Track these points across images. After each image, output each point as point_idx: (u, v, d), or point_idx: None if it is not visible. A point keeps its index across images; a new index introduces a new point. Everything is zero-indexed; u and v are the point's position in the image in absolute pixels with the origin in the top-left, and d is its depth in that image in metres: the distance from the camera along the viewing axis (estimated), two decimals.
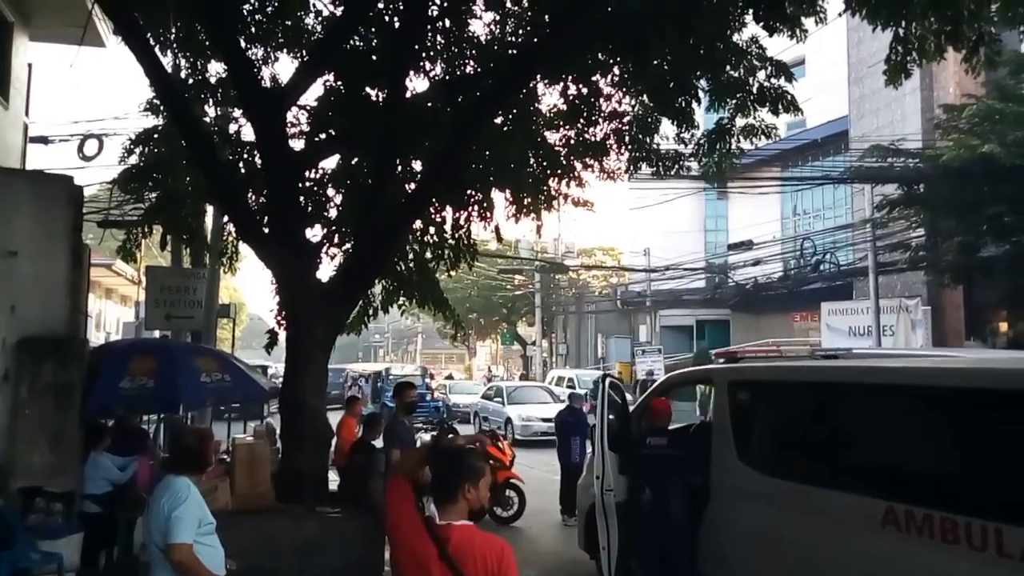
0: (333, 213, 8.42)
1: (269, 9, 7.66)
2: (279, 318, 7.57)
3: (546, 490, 10.61)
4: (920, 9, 6.09)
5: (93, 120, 58.25)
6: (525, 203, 8.60)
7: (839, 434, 4.89)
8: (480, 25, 8.05)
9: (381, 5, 7.37)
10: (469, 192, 8.34)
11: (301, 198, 7.64)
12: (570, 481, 9.28)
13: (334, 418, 7.61)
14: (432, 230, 8.54)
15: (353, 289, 7.07)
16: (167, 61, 7.84)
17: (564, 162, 8.49)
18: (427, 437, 9.82)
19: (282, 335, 7.59)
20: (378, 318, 9.24)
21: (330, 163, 8.41)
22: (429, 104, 7.67)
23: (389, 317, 11.54)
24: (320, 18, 8.11)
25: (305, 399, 6.46)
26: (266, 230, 6.95)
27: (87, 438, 6.17)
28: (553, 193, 8.74)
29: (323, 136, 7.97)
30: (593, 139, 8.37)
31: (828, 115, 24.74)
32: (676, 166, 8.43)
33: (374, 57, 7.68)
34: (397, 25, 7.28)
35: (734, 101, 7.52)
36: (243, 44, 7.26)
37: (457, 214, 8.52)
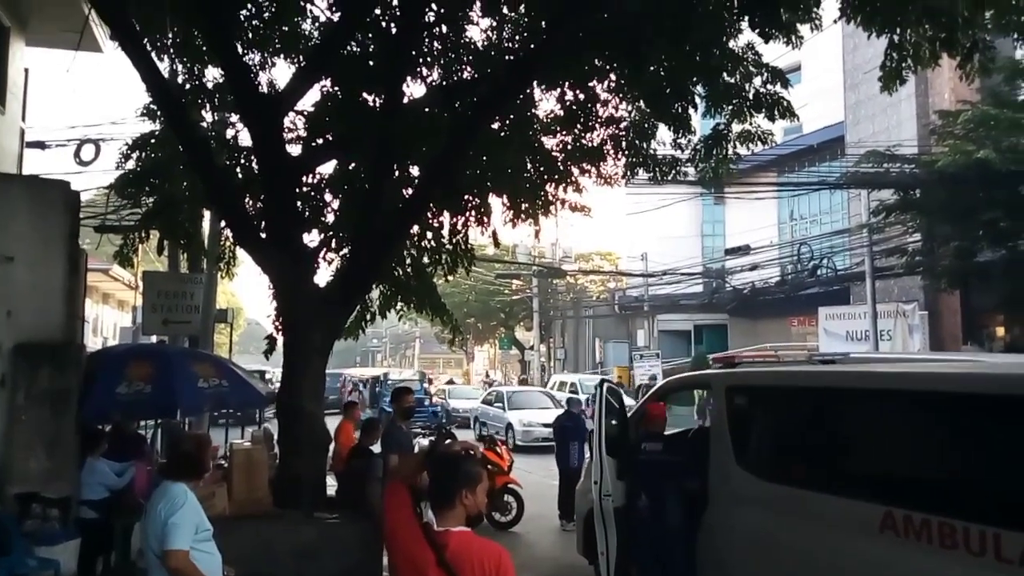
0: (330, 218, 8.43)
1: (266, 15, 7.68)
2: (277, 323, 7.56)
3: (544, 495, 10.59)
4: (915, 16, 6.13)
5: (90, 125, 58.15)
6: (522, 208, 8.62)
7: (837, 439, 4.89)
8: (477, 31, 8.10)
9: (378, 11, 7.39)
10: (466, 197, 8.36)
11: (298, 203, 7.65)
12: (568, 486, 9.27)
13: (332, 423, 7.60)
14: (429, 235, 8.55)
15: (350, 294, 7.07)
16: (164, 66, 7.85)
17: (561, 167, 8.52)
18: (425, 442, 9.80)
19: (280, 340, 7.59)
20: (376, 323, 9.25)
21: (327, 168, 8.43)
22: (426, 110, 7.69)
23: (387, 322, 11.54)
24: (317, 24, 8.13)
25: (303, 404, 6.46)
26: (263, 235, 6.95)
27: (84, 444, 6.15)
28: (550, 198, 8.77)
29: (320, 141, 7.98)
30: (590, 144, 8.40)
31: (824, 121, 24.86)
32: (673, 171, 8.46)
33: (371, 63, 7.70)
34: (394, 31, 7.30)
35: (730, 107, 7.55)
36: (240, 49, 7.26)
37: (454, 219, 8.53)
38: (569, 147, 8.47)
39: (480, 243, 10.33)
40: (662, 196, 21.32)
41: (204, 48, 7.63)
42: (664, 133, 8.14)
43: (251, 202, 7.99)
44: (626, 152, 8.43)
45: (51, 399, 5.77)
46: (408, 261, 8.51)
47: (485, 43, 7.99)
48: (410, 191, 7.91)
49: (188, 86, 8.22)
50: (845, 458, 4.80)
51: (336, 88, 7.82)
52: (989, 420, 3.86)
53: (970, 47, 6.21)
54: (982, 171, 13.79)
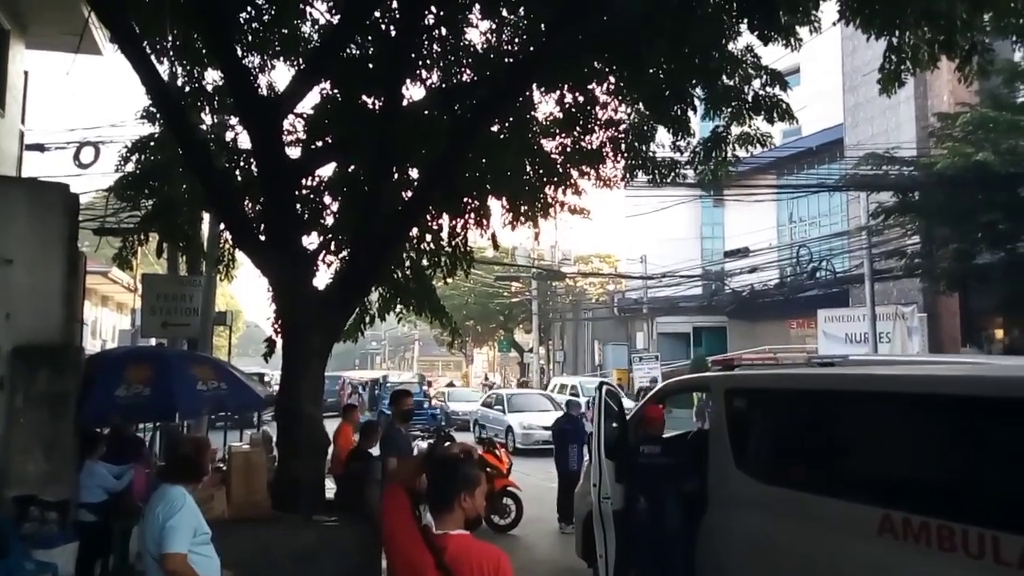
0: (330, 221, 8.43)
1: (266, 17, 7.68)
2: (276, 326, 7.56)
3: (543, 498, 10.59)
4: (913, 19, 6.14)
5: (89, 128, 58.22)
6: (521, 211, 8.63)
7: (836, 441, 4.89)
8: (476, 34, 8.11)
9: (378, 14, 7.40)
10: (465, 200, 8.36)
11: (297, 206, 7.65)
12: (567, 489, 9.26)
13: (331, 426, 7.59)
14: (429, 237, 8.55)
15: (350, 296, 7.07)
16: (164, 69, 7.86)
17: (560, 170, 8.52)
18: (424, 445, 9.79)
19: (279, 343, 7.59)
20: (375, 325, 9.24)
21: (326, 171, 8.43)
22: (425, 112, 7.69)
23: (386, 324, 11.54)
24: (317, 26, 8.13)
25: (302, 407, 6.45)
26: (262, 238, 6.95)
27: (82, 446, 6.14)
28: (549, 201, 8.77)
29: (320, 144, 7.98)
30: (589, 147, 8.40)
31: (823, 123, 24.89)
32: (672, 174, 8.46)
33: (371, 65, 7.70)
34: (393, 34, 7.30)
35: (729, 109, 7.55)
36: (240, 52, 7.27)
37: (454, 221, 8.53)
38: (568, 149, 8.48)
39: (479, 245, 10.34)
40: (661, 198, 21.32)
41: (204, 51, 7.64)
42: (663, 135, 8.15)
43: (250, 204, 7.99)
44: (625, 154, 8.43)
45: (49, 402, 5.77)
46: (407, 263, 8.51)
47: (484, 46, 8.00)
48: (409, 193, 7.91)
49: (188, 89, 8.22)
50: (844, 461, 4.80)
51: (336, 91, 7.82)
52: (988, 423, 3.86)
53: (969, 49, 6.23)
54: (981, 173, 13.81)
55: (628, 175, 8.75)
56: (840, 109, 24.13)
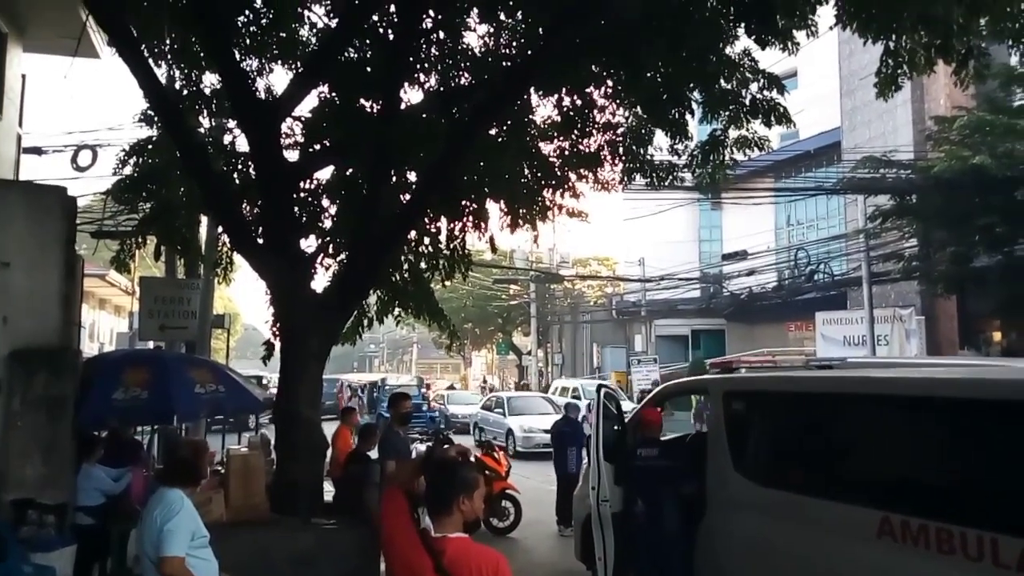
0: (328, 224, 8.43)
1: (264, 21, 7.69)
2: (274, 329, 7.56)
3: (542, 501, 10.58)
4: (910, 23, 6.16)
5: (87, 131, 58.12)
6: (520, 214, 8.63)
7: (834, 444, 4.90)
8: (474, 37, 8.10)
9: (376, 17, 7.40)
10: (464, 203, 8.36)
11: (295, 209, 7.65)
12: (566, 492, 9.26)
13: (329, 428, 7.58)
14: (427, 240, 8.55)
15: (348, 299, 7.07)
16: (161, 72, 7.85)
17: (558, 173, 8.53)
18: (423, 448, 9.79)
19: (278, 346, 7.58)
20: (373, 328, 9.24)
21: (324, 174, 8.43)
22: (423, 115, 7.70)
23: (384, 327, 11.54)
24: (315, 30, 8.14)
25: (300, 409, 6.44)
26: (260, 240, 6.95)
27: (80, 450, 6.13)
28: (547, 204, 8.77)
29: (317, 147, 7.98)
30: (587, 150, 8.41)
31: (820, 127, 24.92)
32: (670, 177, 8.48)
33: (368, 69, 7.71)
34: (391, 37, 7.31)
35: (727, 113, 7.57)
36: (238, 55, 7.27)
37: (452, 224, 8.54)
38: (566, 153, 8.49)
39: (477, 248, 10.35)
40: (659, 201, 21.33)
41: (201, 54, 7.64)
42: (661, 139, 8.16)
43: (248, 208, 7.99)
44: (623, 158, 8.45)
45: (47, 405, 5.75)
46: (406, 266, 8.51)
47: (482, 49, 8.02)
48: (407, 196, 7.91)
49: (185, 92, 8.22)
50: (843, 463, 4.80)
51: (334, 94, 7.83)
52: (987, 425, 3.87)
53: (965, 53, 6.25)
54: (978, 177, 13.84)
55: (626, 178, 8.77)
56: (837, 112, 24.17)
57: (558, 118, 8.20)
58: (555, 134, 8.41)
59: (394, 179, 7.77)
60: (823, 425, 4.98)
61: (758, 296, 25.47)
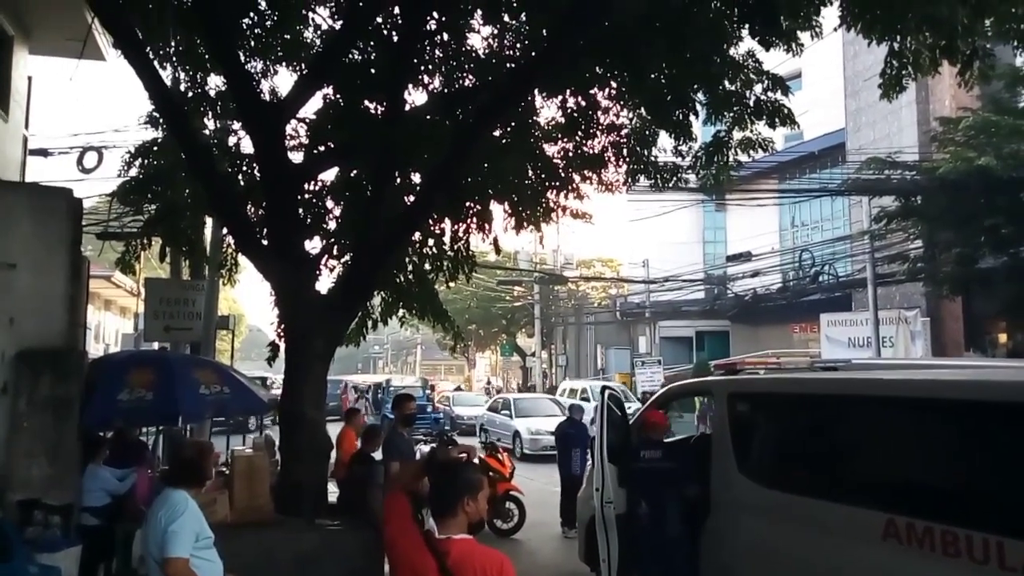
0: (332, 225, 8.44)
1: (268, 23, 7.70)
2: (279, 330, 7.57)
3: (546, 502, 10.57)
4: (914, 24, 6.15)
5: (93, 133, 58.54)
6: (524, 215, 8.63)
7: (839, 446, 4.88)
8: (478, 39, 8.11)
9: (380, 19, 7.42)
10: (468, 204, 8.37)
11: (300, 210, 7.66)
12: (570, 493, 9.24)
13: (333, 430, 7.59)
14: (431, 242, 8.55)
15: (352, 301, 7.08)
16: (167, 74, 7.88)
17: (562, 174, 8.53)
18: (427, 449, 9.79)
19: (282, 347, 7.59)
20: (377, 329, 9.25)
21: (329, 175, 8.44)
22: (428, 117, 7.70)
23: (388, 328, 11.53)
24: (319, 32, 8.15)
25: (304, 411, 6.45)
26: (265, 242, 6.96)
27: (85, 450, 6.16)
28: (552, 205, 8.77)
29: (322, 149, 8.00)
30: (591, 152, 8.41)
31: (825, 128, 24.89)
32: (674, 178, 8.46)
33: (373, 70, 7.72)
34: (396, 39, 7.32)
35: (731, 114, 7.56)
36: (242, 57, 7.29)
37: (456, 226, 8.54)
38: (570, 154, 8.49)
39: (481, 250, 10.35)
40: (663, 203, 21.29)
41: (206, 56, 7.66)
42: (665, 140, 8.15)
43: (253, 209, 8.01)
44: (627, 159, 8.44)
45: (53, 406, 5.78)
46: (409, 268, 8.52)
47: (486, 51, 8.02)
48: (411, 198, 7.93)
49: (190, 94, 8.25)
50: (848, 465, 4.79)
51: (338, 96, 7.84)
52: (993, 427, 3.85)
53: (970, 54, 6.23)
54: (983, 178, 13.80)
55: (630, 179, 8.76)
56: (842, 114, 24.13)
57: (562, 119, 8.20)
58: (559, 135, 8.41)
59: (398, 181, 7.78)
60: (828, 427, 4.96)
61: (762, 298, 25.42)
